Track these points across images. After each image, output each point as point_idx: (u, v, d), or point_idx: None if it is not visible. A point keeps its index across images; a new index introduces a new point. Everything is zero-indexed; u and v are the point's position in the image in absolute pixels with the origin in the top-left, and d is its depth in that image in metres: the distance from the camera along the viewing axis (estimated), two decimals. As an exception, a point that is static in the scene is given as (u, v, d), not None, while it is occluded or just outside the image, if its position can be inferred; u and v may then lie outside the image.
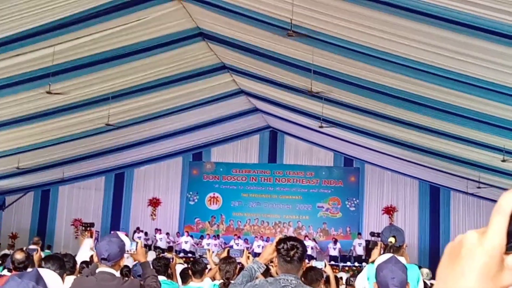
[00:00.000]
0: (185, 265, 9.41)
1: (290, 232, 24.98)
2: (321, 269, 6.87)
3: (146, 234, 24.62)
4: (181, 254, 22.04)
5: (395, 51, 11.48)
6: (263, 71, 16.61)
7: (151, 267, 4.50)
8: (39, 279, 2.61)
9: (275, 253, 3.74)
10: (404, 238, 5.15)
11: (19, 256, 5.87)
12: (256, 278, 3.84)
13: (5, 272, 7.45)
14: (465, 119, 13.68)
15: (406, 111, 14.94)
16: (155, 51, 15.20)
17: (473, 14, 8.93)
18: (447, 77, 11.57)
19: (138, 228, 24.78)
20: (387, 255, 3.91)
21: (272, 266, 5.35)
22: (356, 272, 17.93)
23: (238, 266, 6.53)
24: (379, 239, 5.54)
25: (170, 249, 20.99)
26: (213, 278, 7.09)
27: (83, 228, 23.65)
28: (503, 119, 12.85)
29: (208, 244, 23.35)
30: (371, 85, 13.94)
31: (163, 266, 7.12)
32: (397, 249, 5.06)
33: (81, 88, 16.08)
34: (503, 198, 0.80)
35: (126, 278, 4.20)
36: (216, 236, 24.61)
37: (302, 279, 6.15)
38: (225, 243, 23.79)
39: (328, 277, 7.41)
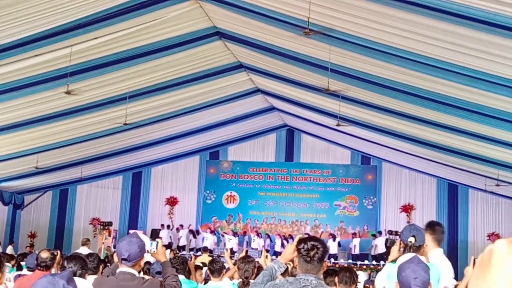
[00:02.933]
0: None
1: (308, 231, 24.95)
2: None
3: (168, 227, 24.73)
4: (199, 253, 22.10)
5: (412, 49, 11.42)
6: (280, 70, 16.60)
7: (171, 267, 4.50)
8: (70, 280, 2.64)
9: (296, 253, 3.73)
10: (424, 238, 5.11)
11: (44, 255, 5.93)
12: (276, 277, 3.84)
13: (25, 271, 7.51)
14: (484, 116, 13.58)
15: (424, 109, 14.86)
16: (172, 51, 15.25)
17: (493, 12, 8.86)
18: (466, 74, 11.49)
19: (162, 225, 24.88)
20: (410, 255, 3.89)
21: (289, 264, 5.34)
22: (374, 270, 17.90)
23: (257, 265, 6.53)
24: (397, 237, 5.52)
25: (205, 249, 21.03)
26: (232, 278, 7.10)
27: (101, 227, 23.86)
28: (522, 116, 12.77)
29: (230, 240, 23.40)
30: (389, 83, 13.88)
31: (182, 264, 7.13)
32: (417, 248, 5.02)
33: (99, 88, 16.18)
34: None
35: (147, 278, 4.21)
36: (236, 233, 24.70)
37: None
38: (240, 243, 23.89)
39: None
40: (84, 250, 11.65)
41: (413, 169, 24.29)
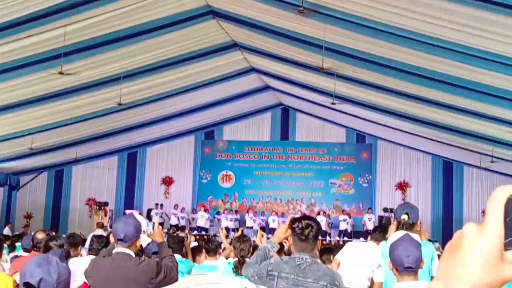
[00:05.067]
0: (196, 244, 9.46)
1: (303, 209, 25.05)
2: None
3: (161, 206, 24.79)
4: (195, 232, 22.20)
5: (407, 26, 11.40)
6: (275, 49, 16.55)
7: (168, 247, 4.52)
8: (61, 258, 2.67)
9: (289, 232, 3.76)
10: (418, 216, 5.15)
11: (40, 236, 5.96)
12: (271, 257, 3.87)
13: (21, 252, 7.54)
14: (479, 93, 13.59)
15: (419, 86, 14.85)
16: (165, 30, 15.16)
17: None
18: (461, 52, 11.49)
19: (156, 204, 24.94)
20: (401, 233, 3.92)
21: (285, 243, 5.37)
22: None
23: (253, 244, 6.57)
24: (392, 215, 5.55)
25: (182, 228, 21.12)
26: (227, 257, 7.14)
27: (97, 207, 23.87)
28: (517, 93, 12.78)
29: (227, 219, 23.56)
30: (383, 60, 13.86)
31: (178, 244, 7.17)
32: (410, 226, 5.07)
33: (93, 68, 16.10)
34: (497, 190, 0.83)
35: (143, 258, 4.24)
36: (235, 212, 24.81)
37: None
38: (239, 221, 24.04)
39: None
40: (98, 232, 11.68)
41: (408, 146, 24.36)
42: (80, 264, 4.50)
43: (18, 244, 10.11)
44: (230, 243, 8.40)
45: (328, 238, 22.22)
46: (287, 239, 3.94)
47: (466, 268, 0.80)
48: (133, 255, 4.10)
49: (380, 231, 6.70)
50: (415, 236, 4.32)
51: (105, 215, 23.35)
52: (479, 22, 10.09)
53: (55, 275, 2.53)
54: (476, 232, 0.82)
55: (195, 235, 19.76)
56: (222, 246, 8.57)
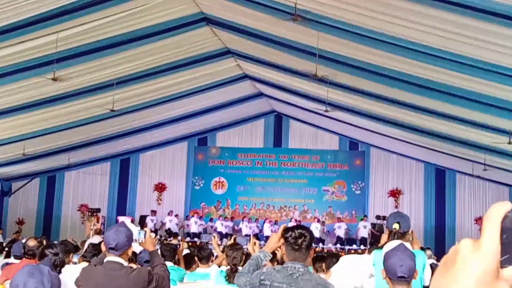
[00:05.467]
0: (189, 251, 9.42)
1: (296, 216, 25.04)
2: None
3: (155, 213, 24.72)
4: (188, 239, 22.13)
5: (400, 35, 11.44)
6: (268, 56, 16.57)
7: (160, 256, 4.51)
8: (52, 267, 2.66)
9: (281, 242, 3.76)
10: (409, 225, 5.15)
11: (31, 243, 5.92)
12: (265, 266, 3.86)
13: (12, 259, 7.47)
14: (471, 101, 13.63)
15: (412, 94, 14.89)
16: (159, 37, 15.17)
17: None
18: (453, 60, 11.53)
19: (152, 211, 24.87)
20: (396, 242, 3.92)
21: (278, 251, 5.36)
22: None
23: (245, 252, 6.55)
24: (385, 222, 5.56)
25: (175, 235, 21.05)
26: (220, 265, 7.11)
27: (89, 213, 23.83)
28: (509, 101, 12.82)
29: (222, 225, 23.52)
30: (377, 68, 13.89)
31: (170, 252, 7.15)
32: (401, 235, 5.07)
33: (86, 74, 16.08)
34: (493, 207, 0.82)
35: (134, 267, 4.22)
36: (230, 218, 24.78)
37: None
38: (233, 227, 24.02)
39: None
40: (96, 239, 11.65)
41: (401, 154, 24.39)
42: (74, 272, 4.48)
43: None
44: (223, 251, 8.38)
45: (321, 245, 22.18)
46: (279, 248, 3.93)
47: (459, 285, 0.79)
48: (125, 263, 4.08)
49: (377, 245, 6.69)
50: (408, 245, 4.32)
51: (97, 222, 23.40)
52: (471, 31, 10.14)
53: (48, 285, 2.52)
54: (471, 249, 0.81)
55: (187, 242, 19.71)
56: (215, 253, 8.54)
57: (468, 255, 0.80)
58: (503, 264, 0.80)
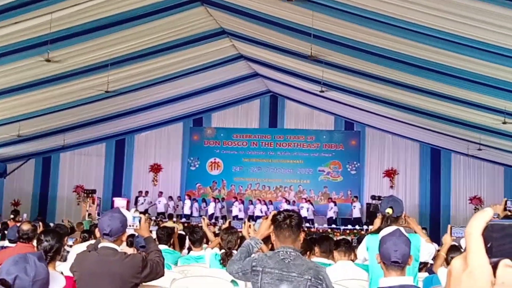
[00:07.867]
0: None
1: (291, 196, 25.10)
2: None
3: (147, 193, 24.76)
4: (183, 220, 22.16)
5: (395, 15, 11.39)
6: (263, 36, 16.50)
7: (155, 242, 4.51)
8: (40, 258, 2.65)
9: (271, 228, 3.78)
10: (402, 209, 5.17)
11: (25, 227, 5.91)
12: (257, 252, 3.88)
13: (6, 243, 7.47)
14: (467, 81, 13.64)
15: (407, 74, 14.88)
16: (153, 17, 15.06)
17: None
18: (449, 40, 11.50)
19: (140, 192, 24.91)
20: (392, 228, 3.92)
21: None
22: (357, 235, 18.05)
23: (240, 236, 6.56)
24: (380, 202, 5.58)
25: (170, 216, 21.02)
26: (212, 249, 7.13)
27: (85, 194, 23.83)
28: (504, 81, 12.84)
29: (214, 207, 23.49)
30: (372, 48, 13.86)
31: (166, 235, 7.16)
32: (394, 219, 5.09)
33: (80, 55, 15.99)
34: (473, 220, 0.84)
35: (129, 253, 4.22)
36: (221, 199, 24.75)
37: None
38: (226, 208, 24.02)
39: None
40: None
41: (396, 134, 24.42)
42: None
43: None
44: (217, 235, 8.42)
45: (310, 225, 22.03)
46: (270, 235, 3.95)
47: None
48: (119, 249, 4.08)
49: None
50: (402, 229, 4.32)
51: (93, 203, 23.42)
52: (467, 11, 10.10)
53: (31, 273, 2.51)
54: (461, 269, 0.82)
55: (183, 223, 19.76)
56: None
57: (459, 276, 0.82)
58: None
